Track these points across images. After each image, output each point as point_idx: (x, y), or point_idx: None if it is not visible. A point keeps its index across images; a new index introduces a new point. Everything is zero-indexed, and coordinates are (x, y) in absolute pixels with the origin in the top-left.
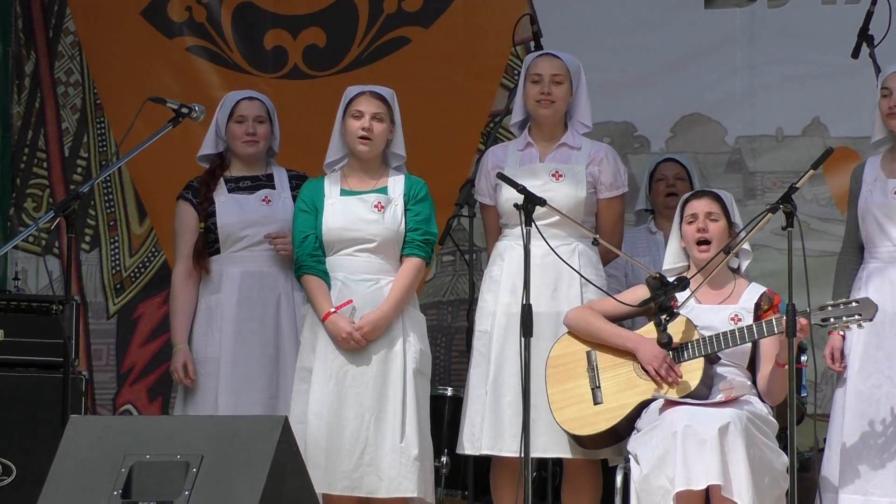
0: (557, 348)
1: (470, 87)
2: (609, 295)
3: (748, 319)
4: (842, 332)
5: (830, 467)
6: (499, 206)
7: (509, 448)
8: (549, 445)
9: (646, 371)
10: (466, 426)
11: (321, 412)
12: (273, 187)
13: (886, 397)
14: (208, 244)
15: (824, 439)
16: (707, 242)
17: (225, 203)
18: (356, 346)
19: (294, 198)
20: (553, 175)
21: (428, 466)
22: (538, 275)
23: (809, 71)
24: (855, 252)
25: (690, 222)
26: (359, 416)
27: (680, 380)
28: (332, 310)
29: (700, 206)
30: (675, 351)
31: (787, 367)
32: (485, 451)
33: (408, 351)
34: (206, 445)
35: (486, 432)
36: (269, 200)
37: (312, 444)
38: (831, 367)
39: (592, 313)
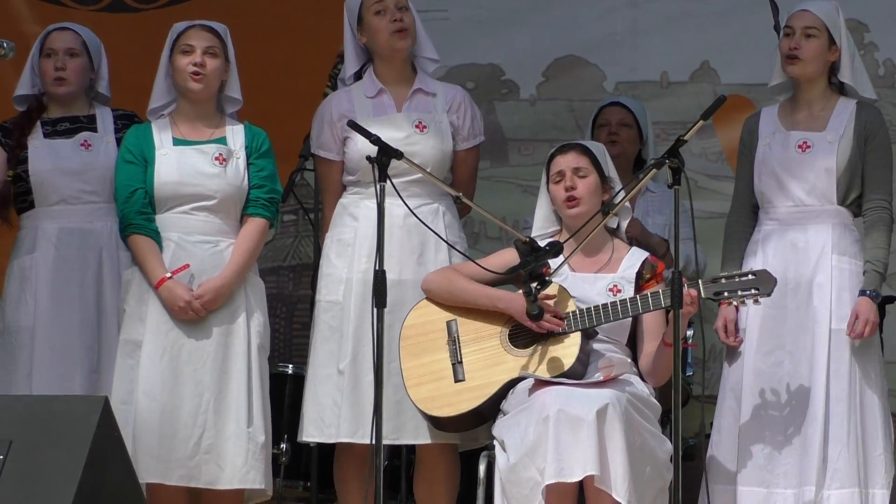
0: (413, 316)
1: (314, 23)
2: (472, 261)
3: (629, 290)
4: (734, 303)
5: (721, 454)
6: (349, 161)
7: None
8: (405, 430)
9: (524, 329)
10: (312, 410)
11: (153, 391)
12: (95, 130)
13: (789, 375)
14: (20, 196)
15: (711, 424)
16: (575, 199)
17: (39, 149)
18: (195, 316)
19: (119, 141)
20: (417, 126)
21: (269, 454)
22: (402, 238)
23: (698, 9)
24: (746, 213)
25: (557, 181)
26: (196, 396)
27: (551, 357)
28: (168, 275)
29: (566, 161)
30: None
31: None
32: (343, 439)
33: (251, 323)
34: (16, 430)
35: (346, 418)
36: (90, 145)
37: (143, 427)
38: (725, 341)
39: (456, 274)
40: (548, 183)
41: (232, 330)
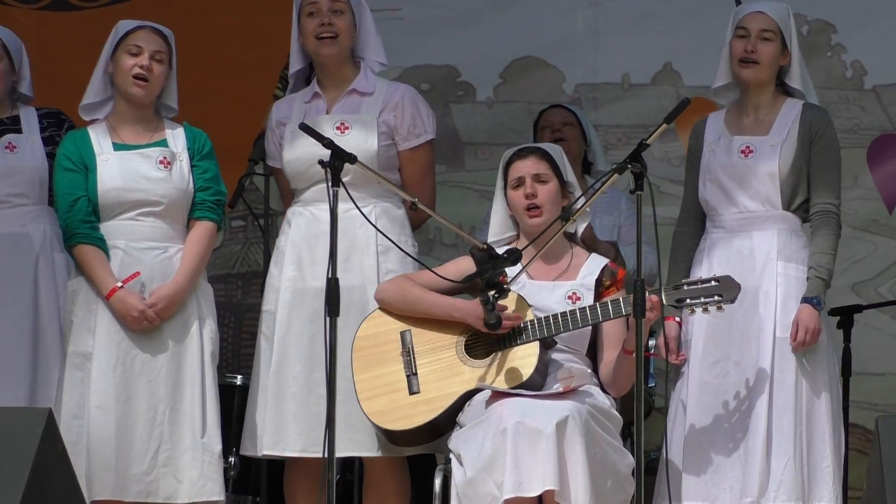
0: (366, 327)
1: (264, 22)
2: (423, 265)
3: (588, 298)
4: (677, 318)
5: (672, 469)
6: (285, 167)
7: (293, 447)
8: (355, 443)
9: (480, 338)
10: (249, 422)
11: (106, 405)
12: (19, 131)
13: (735, 386)
14: None
15: None
16: (538, 208)
17: None
18: (149, 325)
19: (46, 141)
20: (338, 128)
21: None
22: (327, 243)
23: (660, 9)
24: (694, 223)
25: (516, 186)
26: (151, 409)
27: (510, 367)
28: (119, 284)
29: (526, 166)
30: (506, 334)
31: (635, 353)
32: (266, 452)
33: (204, 330)
34: None
35: (268, 429)
36: (15, 147)
37: (98, 442)
38: (666, 358)
39: (410, 282)
40: (505, 187)
41: (185, 338)
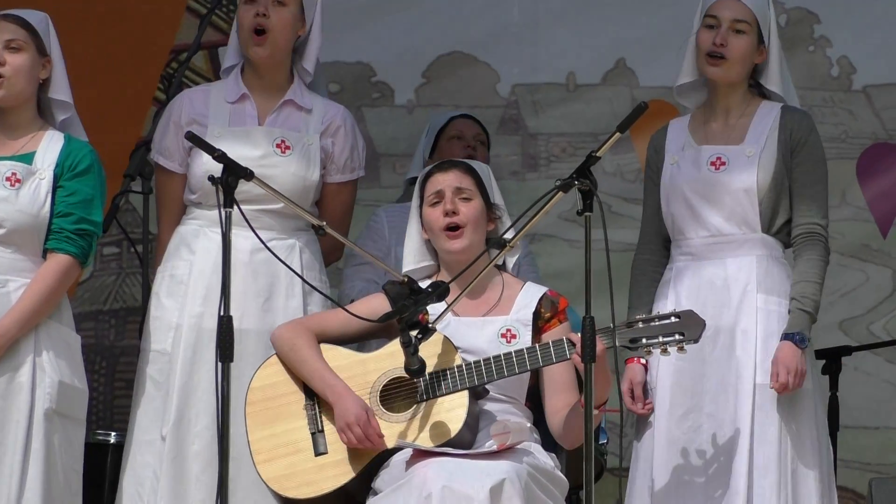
0: (262, 376)
1: (145, 12)
2: (337, 304)
3: (525, 335)
4: (643, 360)
5: None
6: (192, 176)
7: None
8: None
9: (400, 388)
10: (129, 484)
11: None
12: None
13: (709, 443)
14: None
15: None
16: (458, 228)
17: None
18: None
19: None
20: (278, 146)
21: None
22: (246, 278)
23: None
24: (656, 249)
25: (434, 203)
26: None
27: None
28: None
29: (446, 179)
30: (430, 382)
31: (595, 411)
32: None
33: (39, 383)
34: None
35: (165, 493)
36: None
37: None
38: (631, 408)
39: (306, 333)
40: (421, 206)
41: (11, 391)
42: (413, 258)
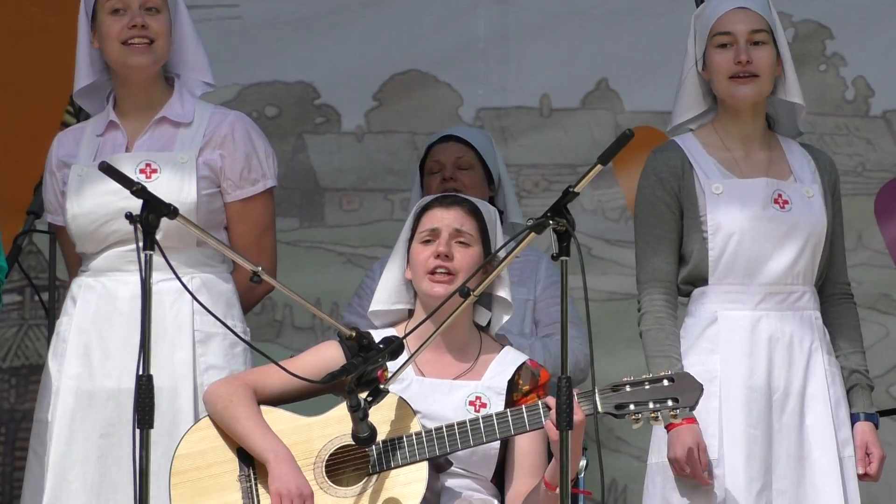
0: (190, 442)
1: (50, 26)
2: (268, 358)
3: (497, 404)
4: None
5: None
6: (70, 223)
7: None
8: None
9: (348, 458)
10: None
11: None
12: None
13: None
14: None
15: None
16: (448, 275)
17: None
18: None
19: None
20: (143, 171)
21: None
22: (127, 329)
23: (593, 7)
24: (673, 291)
25: (427, 241)
26: None
27: (389, 497)
28: None
29: (447, 217)
30: (384, 451)
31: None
32: None
33: None
34: None
35: None
36: None
37: None
38: (689, 475)
39: (245, 390)
40: (410, 240)
41: None
42: (386, 297)
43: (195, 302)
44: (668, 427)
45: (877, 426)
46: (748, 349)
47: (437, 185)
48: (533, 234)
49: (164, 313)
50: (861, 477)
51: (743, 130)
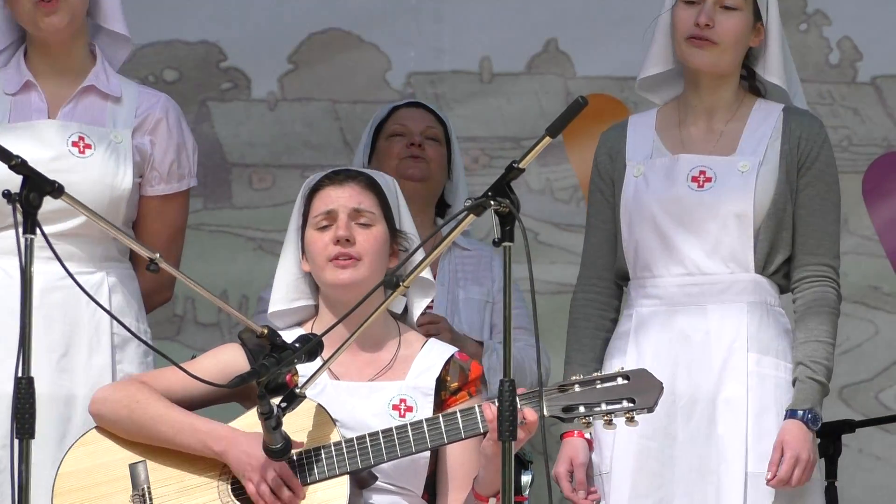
0: (75, 458)
1: None
2: (174, 363)
3: (425, 407)
4: (587, 435)
5: None
6: None
7: None
8: None
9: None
10: None
11: None
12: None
13: None
14: None
15: None
16: (350, 259)
17: None
18: None
19: None
20: (75, 143)
21: None
22: (36, 326)
23: None
24: (605, 287)
25: (323, 227)
26: None
27: None
28: None
29: (340, 197)
30: (298, 464)
31: (493, 499)
32: None
33: None
34: None
35: None
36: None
37: None
38: (570, 496)
39: (143, 389)
40: (303, 227)
41: None
42: (283, 295)
43: (111, 299)
44: (561, 436)
45: (814, 427)
46: (654, 350)
47: (402, 149)
48: (471, 216)
49: (80, 313)
50: (771, 483)
51: (704, 101)
